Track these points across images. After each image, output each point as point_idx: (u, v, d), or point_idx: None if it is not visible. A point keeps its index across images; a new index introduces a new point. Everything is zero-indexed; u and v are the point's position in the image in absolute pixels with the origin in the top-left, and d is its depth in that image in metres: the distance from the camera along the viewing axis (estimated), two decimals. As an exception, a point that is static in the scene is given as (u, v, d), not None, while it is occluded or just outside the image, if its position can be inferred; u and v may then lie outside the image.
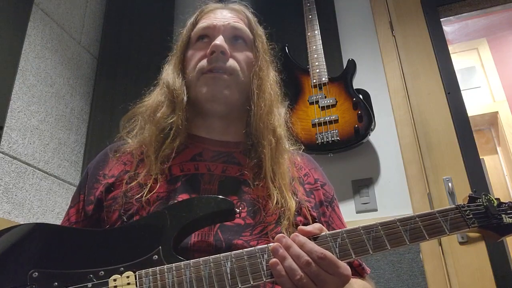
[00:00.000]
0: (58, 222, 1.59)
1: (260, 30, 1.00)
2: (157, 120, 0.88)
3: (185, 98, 0.89)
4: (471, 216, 0.75)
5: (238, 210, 0.74)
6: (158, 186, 0.81)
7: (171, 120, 0.87)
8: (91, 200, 0.84)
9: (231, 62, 0.90)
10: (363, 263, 0.90)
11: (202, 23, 0.95)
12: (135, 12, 2.27)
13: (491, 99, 3.52)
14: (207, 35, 0.93)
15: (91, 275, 0.65)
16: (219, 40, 0.89)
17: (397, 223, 0.71)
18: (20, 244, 0.68)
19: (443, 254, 1.59)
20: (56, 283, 0.64)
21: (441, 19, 2.02)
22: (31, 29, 1.75)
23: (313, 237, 0.68)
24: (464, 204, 0.77)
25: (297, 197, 0.85)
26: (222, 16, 0.95)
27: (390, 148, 1.83)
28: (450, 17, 2.15)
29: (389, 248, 0.69)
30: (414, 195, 1.70)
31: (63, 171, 1.82)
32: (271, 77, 0.97)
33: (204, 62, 0.90)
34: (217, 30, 0.92)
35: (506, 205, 0.78)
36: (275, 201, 0.80)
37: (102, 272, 0.65)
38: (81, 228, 0.83)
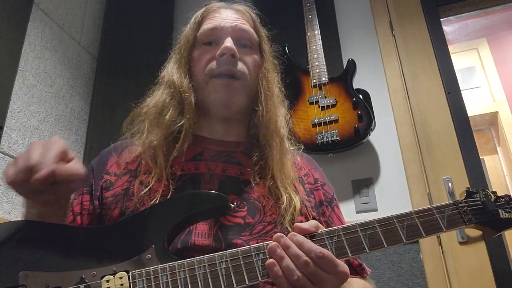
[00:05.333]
0: (58, 222, 1.58)
1: (264, 32, 1.00)
2: (165, 123, 0.87)
3: (193, 100, 0.88)
4: (468, 212, 0.74)
5: (232, 206, 0.73)
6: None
7: (180, 123, 0.87)
8: (97, 195, 0.84)
9: (241, 66, 0.90)
10: (364, 264, 0.90)
11: (208, 24, 0.94)
12: (135, 12, 2.27)
13: (491, 99, 3.51)
14: (215, 36, 0.92)
15: (83, 276, 0.64)
16: (229, 43, 0.88)
17: (394, 220, 0.71)
18: (10, 243, 0.65)
19: (443, 254, 1.59)
20: (47, 285, 0.63)
21: (441, 19, 2.01)
22: (31, 29, 1.75)
23: (310, 235, 0.68)
24: (461, 200, 0.76)
25: (299, 196, 0.85)
26: (228, 17, 0.94)
27: (390, 148, 1.82)
28: (450, 17, 2.15)
29: (385, 246, 0.68)
30: (414, 195, 1.70)
31: (63, 171, 1.82)
32: (276, 78, 0.98)
33: (213, 64, 0.89)
34: (225, 32, 0.91)
35: (503, 199, 0.77)
36: (285, 200, 0.80)
37: (94, 272, 0.64)
38: (73, 226, 0.81)
